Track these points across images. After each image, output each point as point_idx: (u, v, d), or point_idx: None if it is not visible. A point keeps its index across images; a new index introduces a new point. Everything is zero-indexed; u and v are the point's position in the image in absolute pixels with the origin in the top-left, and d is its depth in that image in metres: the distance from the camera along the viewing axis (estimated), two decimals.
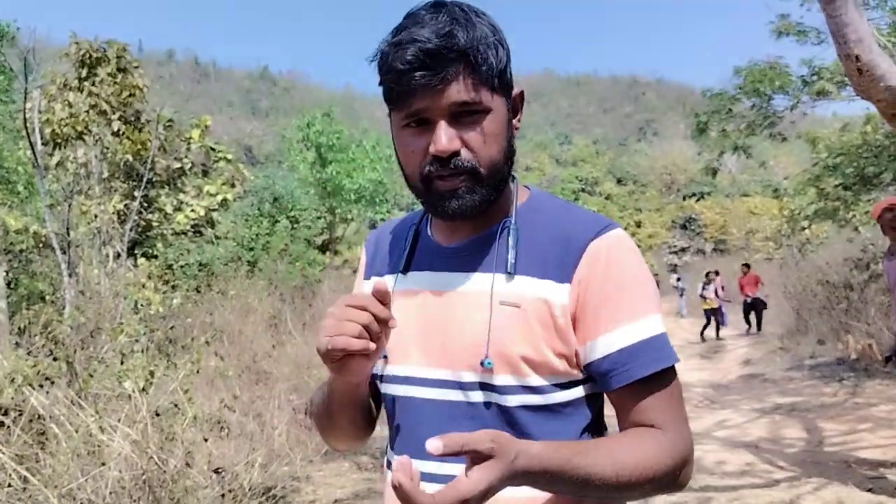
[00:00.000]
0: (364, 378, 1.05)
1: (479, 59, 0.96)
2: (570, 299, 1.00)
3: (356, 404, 1.11)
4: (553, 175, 64.05)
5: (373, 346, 0.92)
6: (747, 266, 16.17)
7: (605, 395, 1.08)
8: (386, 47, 0.99)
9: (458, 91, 0.96)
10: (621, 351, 0.99)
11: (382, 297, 0.91)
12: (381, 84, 1.02)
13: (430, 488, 1.02)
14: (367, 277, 1.22)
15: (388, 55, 0.98)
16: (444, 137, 0.97)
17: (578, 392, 1.04)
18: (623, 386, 0.99)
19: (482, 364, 0.99)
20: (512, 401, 1.00)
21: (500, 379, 1.00)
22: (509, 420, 1.01)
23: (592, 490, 0.91)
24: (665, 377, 1.00)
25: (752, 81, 10.35)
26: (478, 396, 1.01)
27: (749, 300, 15.74)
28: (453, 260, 1.09)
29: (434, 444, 0.77)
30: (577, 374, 1.03)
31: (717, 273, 17.78)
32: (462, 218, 1.03)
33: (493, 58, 0.98)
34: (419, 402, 1.06)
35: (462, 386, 1.02)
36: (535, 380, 1.00)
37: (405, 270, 1.14)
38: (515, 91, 1.07)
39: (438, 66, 0.94)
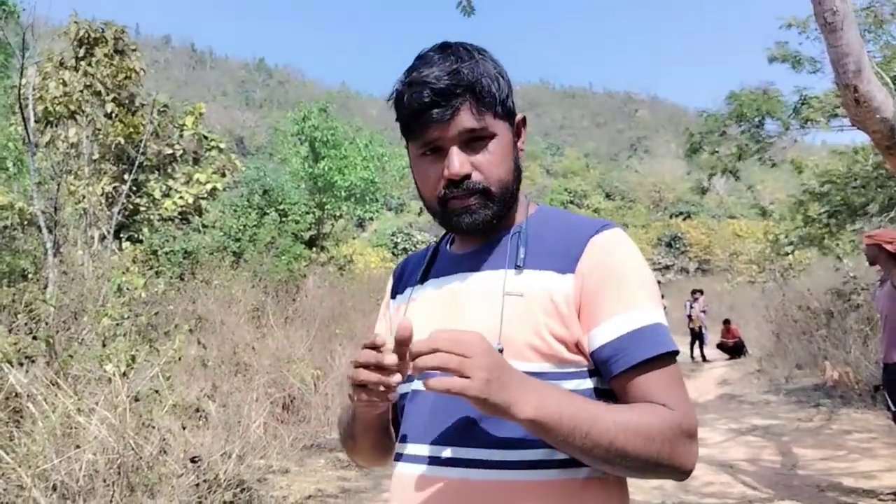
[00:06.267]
0: (382, 409, 1.13)
1: (483, 91, 1.08)
2: (573, 289, 1.07)
3: (377, 429, 1.21)
4: (542, 185, 64.14)
5: (379, 403, 1.03)
6: (727, 321, 16.71)
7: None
8: (401, 87, 1.11)
9: (466, 120, 1.07)
10: (621, 337, 1.04)
11: (403, 340, 0.96)
12: (398, 120, 1.13)
13: (441, 472, 1.05)
14: (392, 297, 1.33)
15: (403, 95, 1.10)
16: (457, 162, 1.08)
17: (586, 384, 1.07)
18: (623, 371, 1.03)
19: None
20: None
21: None
22: None
23: (587, 439, 0.94)
24: (664, 361, 1.04)
25: (741, 105, 10.45)
26: None
27: (730, 343, 16.18)
28: (466, 262, 1.18)
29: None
30: (583, 362, 1.07)
31: (701, 292, 17.92)
32: (475, 232, 1.14)
33: (494, 89, 1.10)
34: (430, 393, 1.08)
35: None
36: (540, 366, 1.05)
37: (423, 280, 1.24)
38: (518, 117, 1.19)
39: (448, 101, 1.06)
